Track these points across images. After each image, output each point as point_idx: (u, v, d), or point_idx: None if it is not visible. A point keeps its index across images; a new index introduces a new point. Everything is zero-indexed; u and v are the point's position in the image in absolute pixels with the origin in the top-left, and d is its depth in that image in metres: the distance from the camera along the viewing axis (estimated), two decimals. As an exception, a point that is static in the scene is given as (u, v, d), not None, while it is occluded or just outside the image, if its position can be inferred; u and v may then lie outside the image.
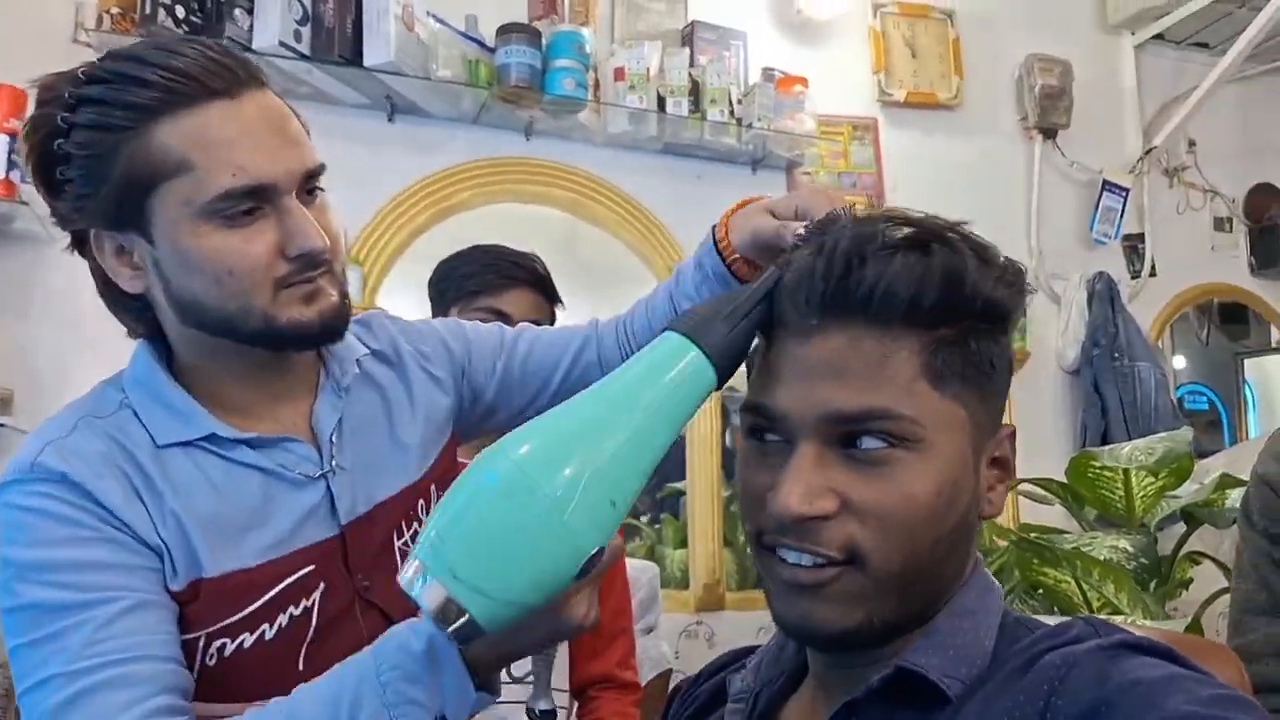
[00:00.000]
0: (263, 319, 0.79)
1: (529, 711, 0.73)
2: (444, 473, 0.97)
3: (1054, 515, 2.52)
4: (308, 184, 0.81)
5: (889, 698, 0.59)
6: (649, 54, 2.33)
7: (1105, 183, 2.96)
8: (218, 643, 0.78)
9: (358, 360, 0.93)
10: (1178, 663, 0.54)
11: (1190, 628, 1.50)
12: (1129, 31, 3.13)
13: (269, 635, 0.79)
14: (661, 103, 2.34)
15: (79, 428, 0.79)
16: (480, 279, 1.42)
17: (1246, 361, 3.59)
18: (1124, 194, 2.98)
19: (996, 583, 0.67)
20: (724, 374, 0.62)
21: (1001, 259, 0.62)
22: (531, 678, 0.75)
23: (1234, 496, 2.06)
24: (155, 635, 0.73)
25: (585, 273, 3.20)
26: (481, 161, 2.34)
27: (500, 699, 0.73)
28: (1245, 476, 2.09)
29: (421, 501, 0.94)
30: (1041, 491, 2.18)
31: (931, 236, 0.59)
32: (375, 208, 2.23)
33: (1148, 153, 3.04)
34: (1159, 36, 3.14)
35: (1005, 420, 0.65)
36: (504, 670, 0.74)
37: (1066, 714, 0.52)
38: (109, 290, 0.83)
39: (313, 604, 0.82)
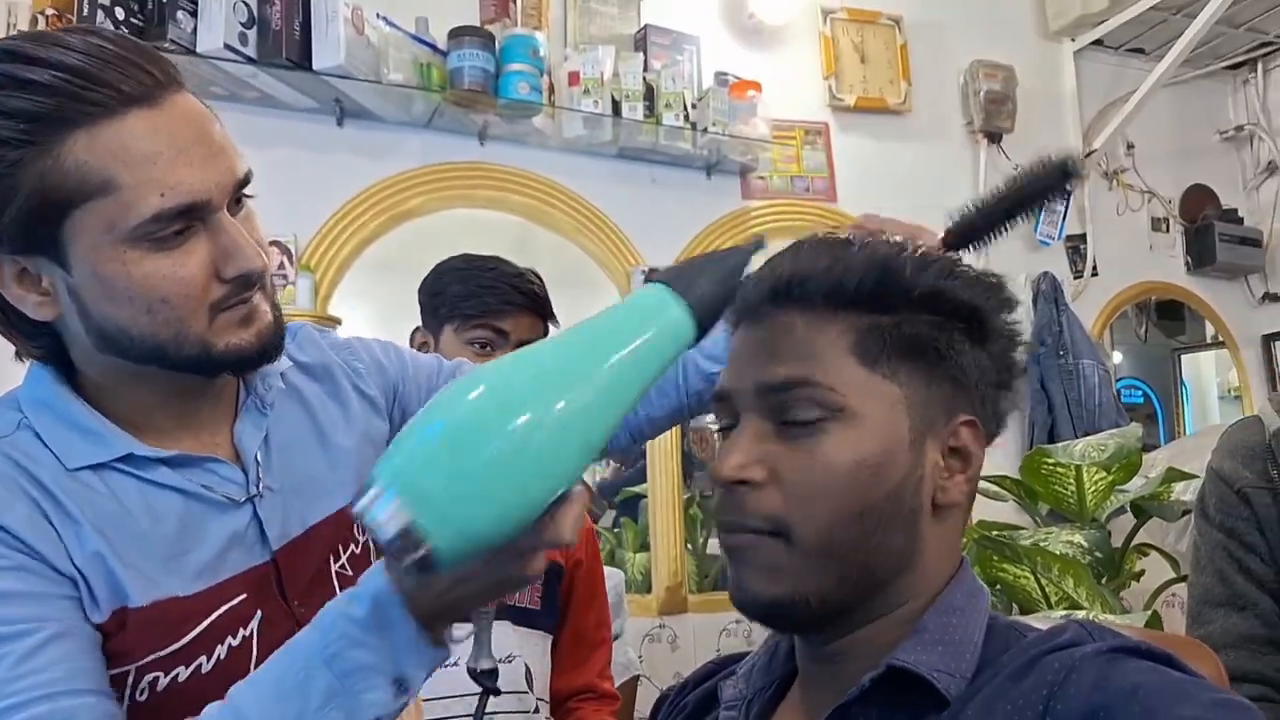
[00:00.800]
0: (199, 345, 0.73)
1: (470, 672, 0.70)
2: None
3: (1005, 511, 2.57)
4: (236, 194, 0.74)
5: (882, 699, 0.59)
6: (603, 58, 2.32)
7: (1048, 185, 3.02)
8: (149, 676, 0.72)
9: (281, 374, 0.86)
10: (1174, 667, 0.55)
11: (1151, 621, 1.54)
12: (1069, 38, 3.20)
13: (206, 668, 0.74)
14: (616, 107, 2.33)
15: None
16: (479, 302, 1.39)
17: (1183, 357, 3.70)
18: (1067, 196, 3.04)
19: (985, 586, 0.68)
20: (702, 329, 0.63)
21: (954, 263, 0.64)
22: (472, 638, 0.70)
23: (1178, 489, 2.12)
24: (79, 665, 0.67)
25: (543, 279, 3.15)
26: (434, 167, 2.31)
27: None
28: (1189, 469, 2.16)
29: (357, 525, 0.87)
30: (995, 488, 2.22)
31: (861, 233, 0.64)
32: (325, 214, 2.19)
33: (1088, 155, 3.12)
34: (1098, 42, 3.22)
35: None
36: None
37: (1065, 718, 0.52)
38: (9, 323, 0.75)
39: (250, 634, 0.77)
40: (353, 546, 0.87)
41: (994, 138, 3.00)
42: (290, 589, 0.81)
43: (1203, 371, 3.79)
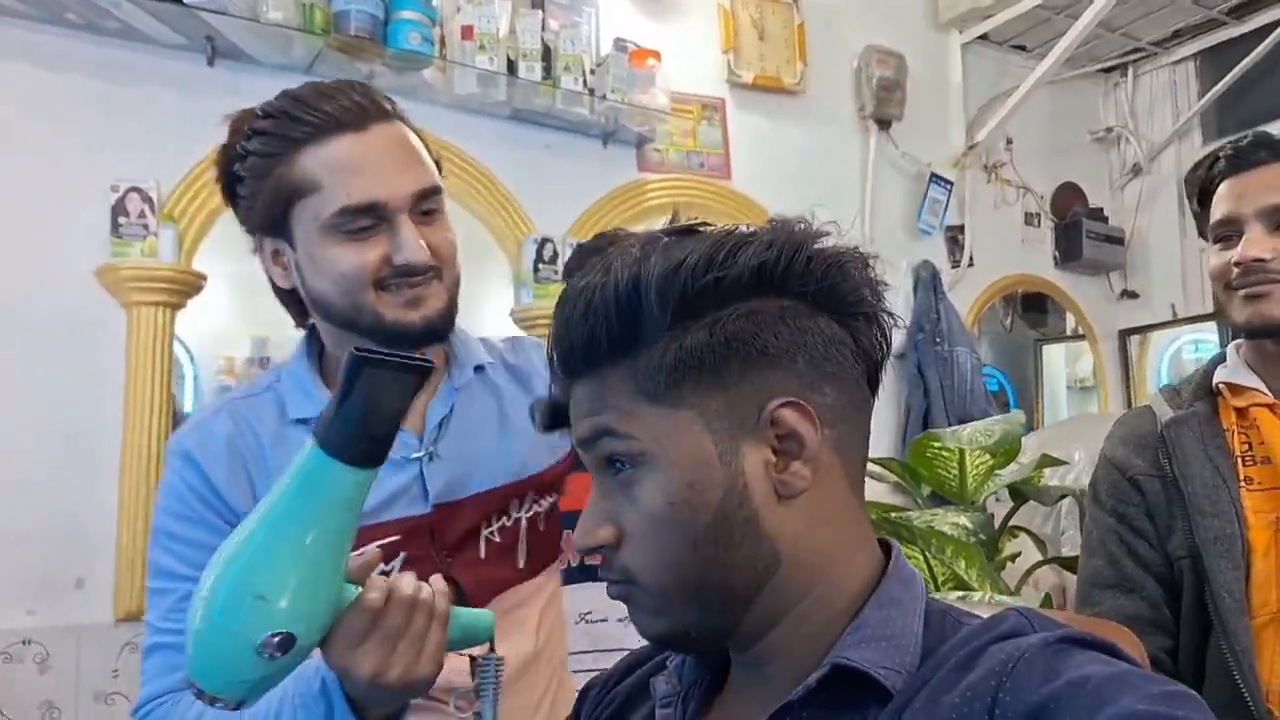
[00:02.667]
0: (372, 316, 0.93)
1: None
2: (544, 485, 1.08)
3: (880, 491, 2.62)
4: (421, 204, 0.94)
5: (826, 697, 0.57)
6: (499, 13, 2.21)
7: (933, 175, 3.09)
8: None
9: (478, 366, 1.07)
10: (1117, 657, 0.54)
11: (1044, 603, 1.58)
12: (957, 30, 3.27)
13: None
14: (512, 66, 2.23)
15: (220, 410, 0.98)
16: None
17: (1044, 348, 3.87)
18: (949, 187, 3.12)
19: (917, 572, 0.66)
20: (349, 454, 0.67)
21: (712, 245, 0.60)
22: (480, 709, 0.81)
23: (1047, 474, 2.20)
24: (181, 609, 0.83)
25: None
26: (314, 116, 2.16)
27: None
28: (1059, 455, 2.24)
29: (515, 500, 1.05)
30: (879, 469, 2.25)
31: (588, 281, 0.60)
32: (192, 160, 2.01)
33: (971, 148, 3.20)
34: (984, 37, 3.30)
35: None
36: (450, 703, 0.84)
37: (1015, 711, 0.50)
38: (276, 290, 1.01)
39: (391, 570, 0.92)
40: (504, 519, 1.04)
41: (884, 125, 3.04)
42: (441, 540, 0.98)
43: (1053, 364, 3.98)
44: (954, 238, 3.19)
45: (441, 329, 0.97)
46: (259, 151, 0.93)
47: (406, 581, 0.74)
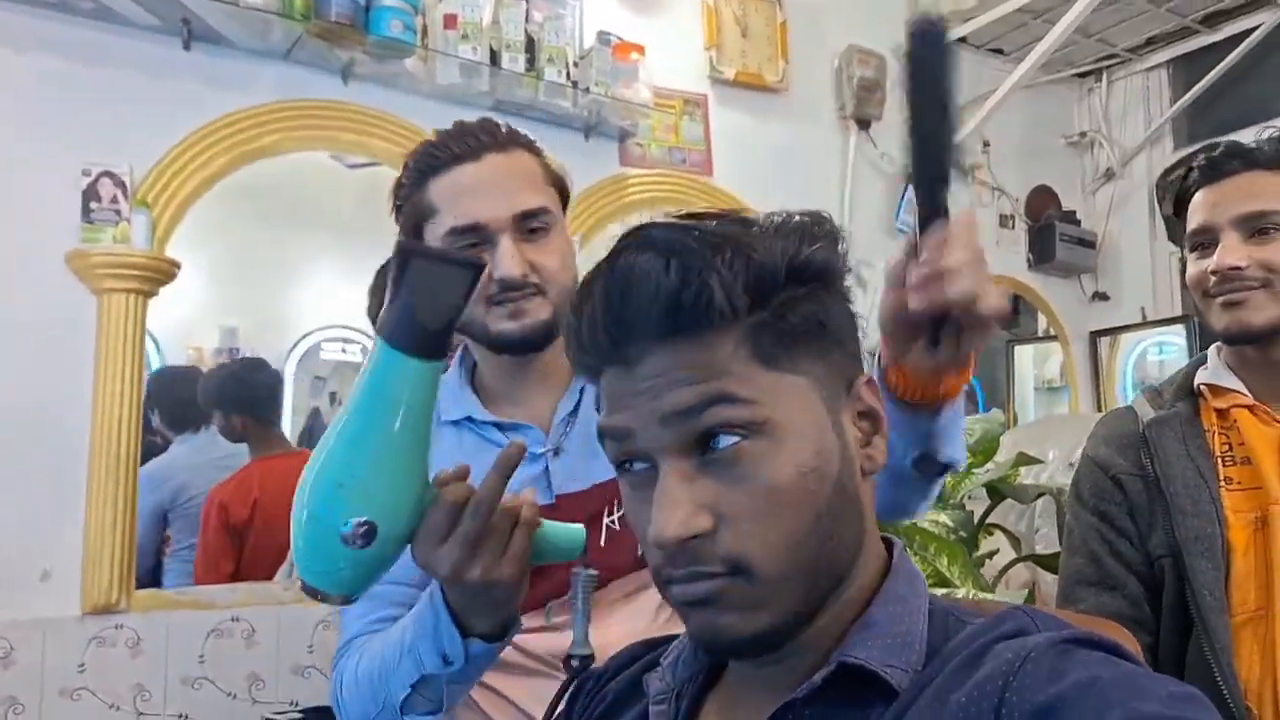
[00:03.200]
0: (480, 327, 1.03)
1: (566, 661, 0.79)
2: None
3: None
4: (526, 224, 1.02)
5: (831, 694, 0.56)
6: (482, 3, 2.19)
7: (911, 175, 3.10)
8: None
9: None
10: (1122, 657, 0.54)
11: (1028, 600, 1.58)
12: (936, 32, 3.28)
13: None
14: (495, 57, 2.21)
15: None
16: None
17: (1018, 348, 3.91)
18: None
19: (919, 570, 0.66)
20: (406, 344, 0.70)
21: (781, 225, 0.60)
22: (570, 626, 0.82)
23: (1023, 473, 2.22)
24: (400, 567, 0.85)
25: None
26: (292, 103, 2.12)
27: (537, 651, 1.01)
28: (1034, 454, 2.26)
29: None
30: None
31: (712, 244, 0.57)
32: (167, 144, 1.97)
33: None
34: (962, 39, 3.32)
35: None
36: (544, 615, 0.98)
37: (1021, 710, 0.50)
38: None
39: None
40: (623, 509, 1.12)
41: (864, 124, 3.05)
42: None
43: (1024, 364, 4.02)
44: (930, 238, 3.20)
45: (537, 340, 1.04)
46: (405, 183, 1.06)
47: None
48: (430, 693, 0.86)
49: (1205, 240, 1.19)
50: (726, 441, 0.56)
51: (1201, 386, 1.22)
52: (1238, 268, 1.14)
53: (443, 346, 0.71)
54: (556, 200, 1.08)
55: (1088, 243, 3.47)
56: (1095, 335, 3.55)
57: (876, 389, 0.61)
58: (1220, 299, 1.17)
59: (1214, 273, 1.16)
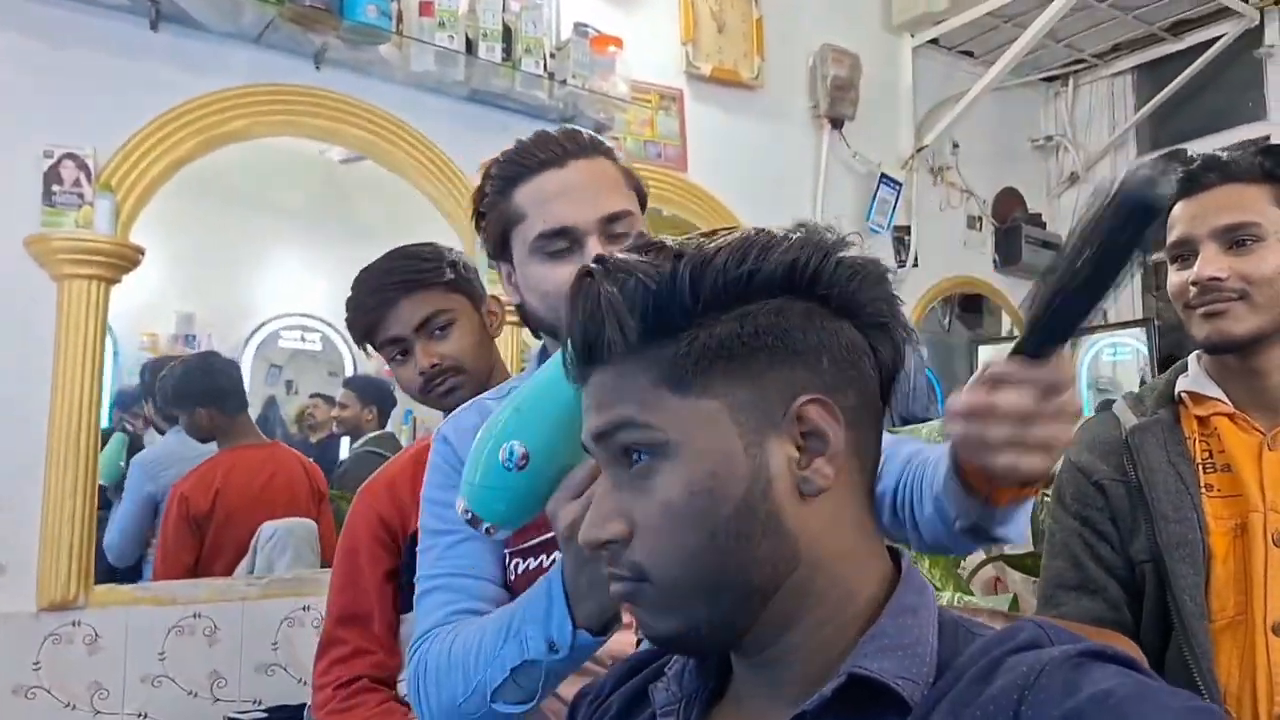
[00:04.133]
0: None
1: None
2: None
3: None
4: (611, 227, 1.03)
5: (840, 708, 0.55)
6: (459, -9, 2.15)
7: (882, 175, 3.12)
8: (513, 562, 1.02)
9: None
10: (1139, 671, 0.54)
11: (1012, 606, 1.59)
12: (909, 33, 3.31)
13: (545, 563, 1.00)
14: (471, 45, 2.18)
15: (471, 406, 1.10)
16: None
17: (981, 348, 3.95)
18: (897, 187, 3.16)
19: (928, 581, 0.65)
20: None
21: (727, 244, 0.59)
22: None
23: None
24: (477, 561, 0.99)
25: (380, 225, 2.99)
26: (263, 87, 2.07)
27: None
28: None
29: None
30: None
31: (617, 268, 0.60)
32: (133, 127, 1.91)
33: (919, 150, 3.24)
34: (934, 41, 3.35)
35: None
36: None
37: None
38: (517, 307, 1.12)
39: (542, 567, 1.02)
40: None
41: (837, 123, 3.06)
42: None
43: (976, 366, 4.04)
44: (900, 238, 3.23)
45: None
46: (490, 190, 1.07)
47: None
48: (527, 681, 0.86)
49: (1185, 252, 1.21)
50: (636, 459, 0.60)
51: (1183, 394, 1.23)
52: (1217, 279, 1.16)
53: None
54: (636, 204, 1.11)
55: (1053, 245, 3.51)
56: (1058, 337, 3.59)
57: (830, 409, 0.59)
58: (1201, 310, 1.18)
59: (1194, 284, 1.18)
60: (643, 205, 1.13)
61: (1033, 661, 0.53)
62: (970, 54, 3.50)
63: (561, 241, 1.03)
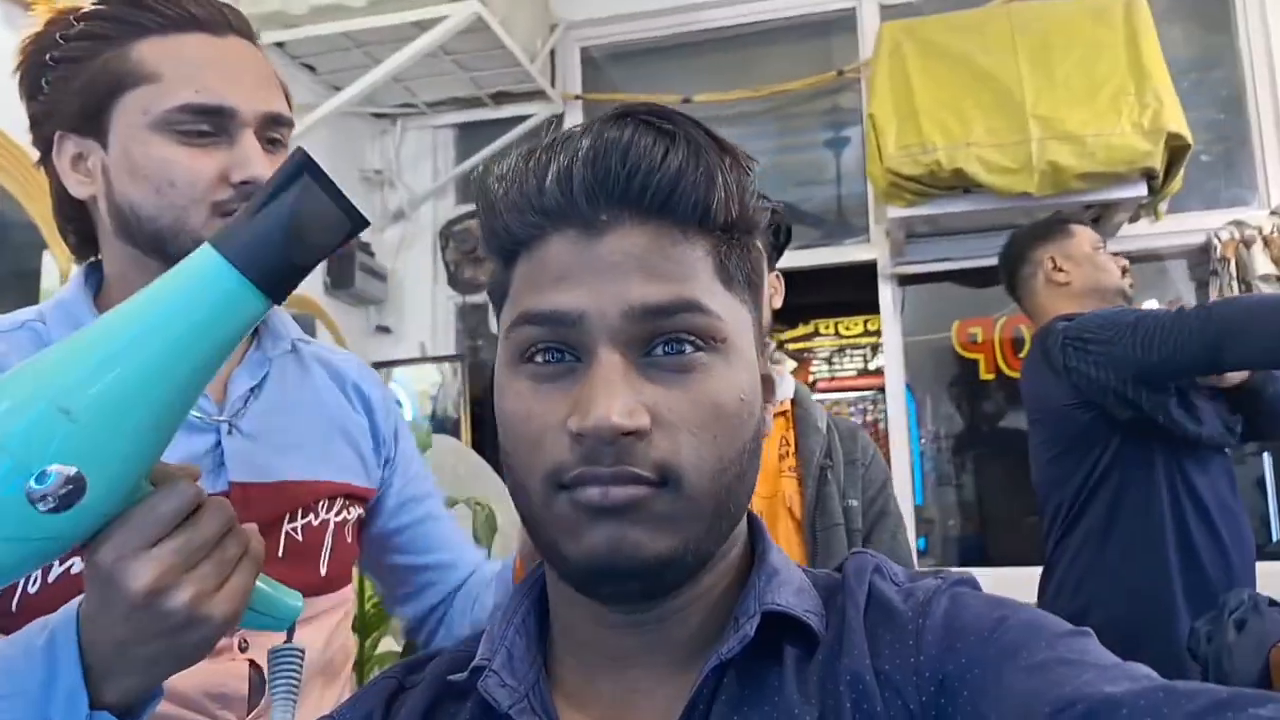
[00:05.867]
0: (192, 241, 0.82)
1: None
2: (356, 496, 1.01)
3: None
4: (270, 130, 0.87)
5: (757, 649, 0.54)
6: None
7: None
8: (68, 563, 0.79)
9: (294, 341, 1.00)
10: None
11: None
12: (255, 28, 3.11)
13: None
14: None
15: None
16: None
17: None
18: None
19: None
20: (255, 268, 0.56)
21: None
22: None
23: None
24: None
25: None
26: None
27: None
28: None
29: (325, 500, 0.96)
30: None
31: (714, 145, 0.55)
32: None
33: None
34: (280, 45, 3.21)
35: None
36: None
37: (935, 637, 0.53)
38: (59, 206, 0.91)
39: None
40: (311, 517, 0.94)
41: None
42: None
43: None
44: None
45: None
46: (87, 34, 0.83)
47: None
48: None
49: None
50: (678, 348, 0.52)
51: None
52: None
53: (286, 291, 0.57)
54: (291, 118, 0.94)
55: (380, 276, 3.61)
56: (377, 365, 3.69)
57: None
58: None
59: None
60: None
61: (919, 591, 0.57)
62: (312, 69, 3.44)
63: (206, 123, 0.83)
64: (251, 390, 0.94)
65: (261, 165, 0.85)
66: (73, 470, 0.50)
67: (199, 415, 0.88)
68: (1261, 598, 1.67)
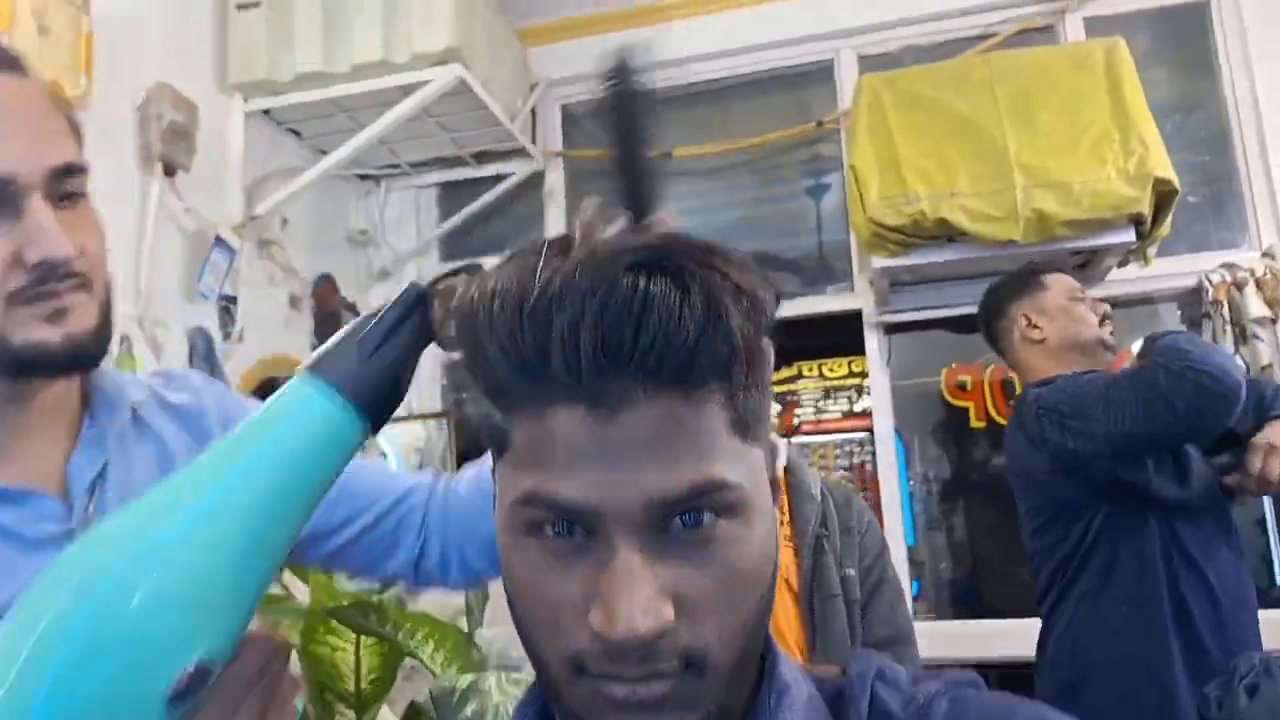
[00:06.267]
0: None
1: None
2: None
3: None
4: (61, 185, 0.74)
5: None
6: None
7: (218, 238, 2.86)
8: None
9: (136, 411, 0.86)
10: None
11: None
12: (242, 97, 3.13)
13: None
14: None
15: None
16: None
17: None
18: (231, 254, 2.92)
19: None
20: (370, 406, 0.56)
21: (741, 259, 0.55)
22: None
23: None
24: None
25: None
26: None
27: None
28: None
29: None
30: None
31: (730, 288, 0.48)
32: None
33: (252, 219, 3.06)
34: (266, 112, 3.22)
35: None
36: None
37: None
38: None
39: None
40: None
41: (169, 171, 2.72)
42: None
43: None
44: (226, 308, 2.97)
45: (92, 353, 0.77)
46: None
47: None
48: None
49: None
50: (698, 518, 0.48)
51: None
52: None
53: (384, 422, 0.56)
54: (82, 153, 0.79)
55: (366, 335, 3.59)
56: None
57: None
58: None
59: None
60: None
61: (920, 697, 0.55)
62: (297, 134, 3.45)
63: None
64: (97, 479, 0.80)
65: (57, 240, 0.71)
66: (206, 657, 0.47)
67: (46, 528, 0.74)
68: (1274, 661, 1.64)
